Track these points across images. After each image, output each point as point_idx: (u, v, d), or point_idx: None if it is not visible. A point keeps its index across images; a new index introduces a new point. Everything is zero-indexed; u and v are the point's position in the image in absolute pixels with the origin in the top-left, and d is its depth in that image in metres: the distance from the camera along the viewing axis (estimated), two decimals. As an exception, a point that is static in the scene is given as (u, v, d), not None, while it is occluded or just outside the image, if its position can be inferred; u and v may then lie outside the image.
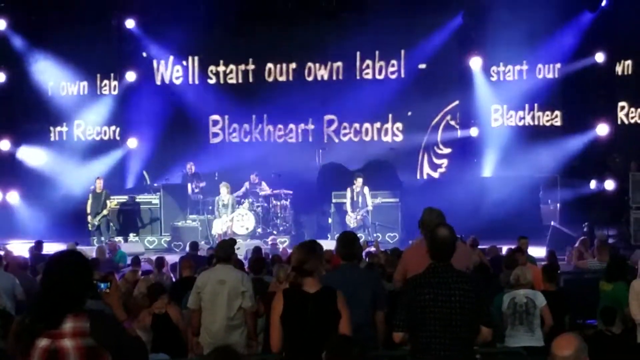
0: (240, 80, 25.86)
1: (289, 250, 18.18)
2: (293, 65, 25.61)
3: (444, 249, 6.05)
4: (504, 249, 15.77)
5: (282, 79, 25.73)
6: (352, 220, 21.69)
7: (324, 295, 6.27)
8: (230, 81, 25.92)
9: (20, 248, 17.70)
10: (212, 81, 25.90)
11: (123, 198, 23.20)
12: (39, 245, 18.29)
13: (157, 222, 23.03)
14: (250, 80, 25.80)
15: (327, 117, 25.78)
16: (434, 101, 24.55)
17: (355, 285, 7.27)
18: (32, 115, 25.09)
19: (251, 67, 25.79)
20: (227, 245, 9.39)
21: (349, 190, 21.81)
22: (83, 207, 22.24)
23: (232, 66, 25.89)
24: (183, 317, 9.65)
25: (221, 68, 25.88)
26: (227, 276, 8.93)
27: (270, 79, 25.67)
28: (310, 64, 25.57)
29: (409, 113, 24.44)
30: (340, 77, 25.50)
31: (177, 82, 25.85)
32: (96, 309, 4.65)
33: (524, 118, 24.89)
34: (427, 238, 6.45)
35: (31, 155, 24.79)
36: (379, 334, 7.59)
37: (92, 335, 4.44)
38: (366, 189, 21.73)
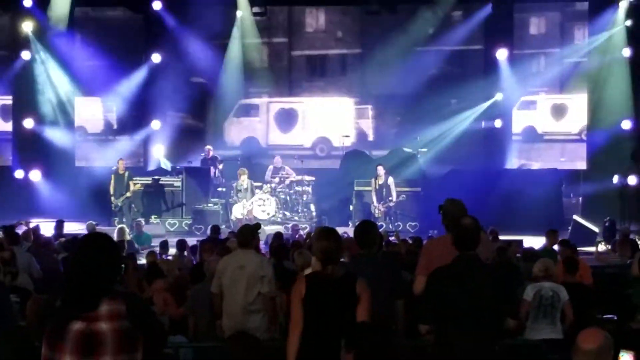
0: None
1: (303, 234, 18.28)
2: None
3: (469, 238, 6.03)
4: (525, 241, 15.73)
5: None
6: (377, 210, 21.71)
7: (346, 281, 6.26)
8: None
9: (42, 227, 17.75)
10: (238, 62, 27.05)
11: (146, 180, 23.23)
12: (60, 224, 18.40)
13: (179, 205, 23.07)
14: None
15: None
16: (459, 91, 24.50)
17: (373, 273, 7.22)
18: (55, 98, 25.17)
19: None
20: (248, 230, 9.37)
21: (373, 180, 21.84)
22: (105, 188, 22.31)
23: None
24: (170, 303, 9.96)
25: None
26: (247, 261, 8.91)
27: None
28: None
29: (418, 138, 24.57)
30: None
31: (203, 64, 25.93)
32: (128, 291, 4.65)
33: (548, 110, 24.82)
34: (450, 228, 6.42)
35: (54, 134, 24.86)
36: (398, 323, 7.58)
37: (128, 317, 4.44)
38: (391, 180, 21.75)
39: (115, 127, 27.32)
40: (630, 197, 22.01)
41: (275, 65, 29.74)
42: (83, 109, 26.53)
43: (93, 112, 27.24)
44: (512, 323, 5.97)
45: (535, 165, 24.66)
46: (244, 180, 21.96)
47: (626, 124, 22.81)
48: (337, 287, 6.20)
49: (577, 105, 25.89)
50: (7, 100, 26.30)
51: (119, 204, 21.96)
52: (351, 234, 9.54)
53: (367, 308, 6.20)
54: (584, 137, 25.57)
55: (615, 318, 10.18)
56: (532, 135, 26.44)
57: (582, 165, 24.33)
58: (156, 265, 11.97)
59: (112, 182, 22.12)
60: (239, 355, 4.86)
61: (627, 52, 22.83)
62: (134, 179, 22.41)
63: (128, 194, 21.96)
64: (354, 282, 6.26)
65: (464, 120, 24.52)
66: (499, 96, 23.80)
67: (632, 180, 22.49)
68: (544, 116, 27.09)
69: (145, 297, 9.68)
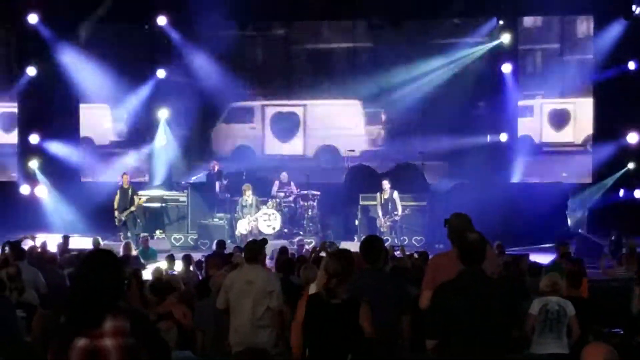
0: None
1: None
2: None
3: (475, 253, 6.05)
4: (531, 256, 15.71)
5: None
6: (382, 224, 21.71)
7: (348, 308, 6.27)
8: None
9: (47, 242, 17.78)
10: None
11: (151, 194, 23.26)
12: (66, 240, 18.44)
13: (184, 220, 23.07)
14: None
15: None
16: (464, 105, 24.49)
17: (379, 289, 7.26)
18: (62, 111, 25.15)
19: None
20: (255, 245, 9.41)
21: (378, 195, 21.85)
22: (110, 202, 22.31)
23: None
24: (188, 316, 9.86)
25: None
26: (255, 276, 8.93)
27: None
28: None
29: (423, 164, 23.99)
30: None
31: (209, 80, 25.53)
32: (132, 308, 4.66)
33: (554, 124, 24.78)
34: (455, 242, 6.43)
35: (60, 150, 24.88)
36: (404, 338, 7.57)
37: (132, 334, 4.44)
38: (396, 194, 21.76)
39: (122, 139, 26.86)
40: (636, 211, 21.97)
41: (271, 61, 27.36)
42: (89, 117, 26.39)
43: (100, 121, 27.02)
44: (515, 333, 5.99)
45: (541, 179, 24.53)
46: (249, 196, 22.00)
47: (632, 137, 22.76)
48: (338, 314, 6.22)
49: (582, 111, 25.25)
50: (9, 108, 26.29)
51: (123, 218, 21.96)
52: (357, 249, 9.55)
53: (370, 324, 6.22)
54: (589, 148, 24.96)
55: (621, 332, 10.16)
56: (528, 147, 25.38)
57: (587, 179, 24.21)
58: (162, 280, 11.97)
59: (117, 196, 22.12)
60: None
61: (632, 65, 22.76)
62: (139, 193, 22.43)
63: (132, 208, 21.96)
64: (357, 309, 6.27)
65: (470, 134, 24.43)
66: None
67: (638, 194, 22.48)
68: (542, 124, 26.38)
69: (155, 312, 9.66)
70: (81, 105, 25.82)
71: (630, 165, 22.74)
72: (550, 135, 26.52)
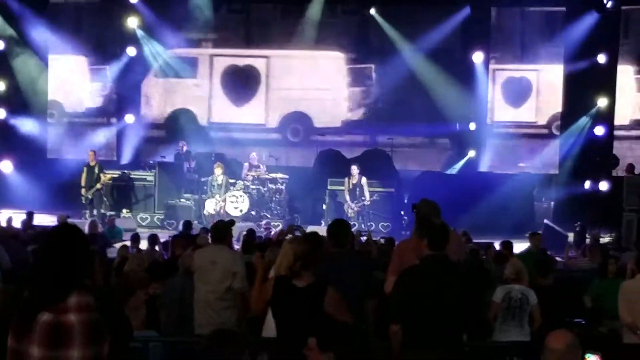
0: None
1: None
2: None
3: (438, 238, 6.14)
4: (497, 244, 15.81)
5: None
6: (350, 210, 21.71)
7: (314, 291, 6.29)
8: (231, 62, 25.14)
9: (12, 218, 17.67)
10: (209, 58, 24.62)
11: (118, 173, 23.13)
12: (30, 216, 18.32)
13: (151, 199, 22.93)
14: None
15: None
16: (435, 93, 24.50)
17: (346, 273, 7.27)
18: (29, 86, 24.88)
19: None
20: (222, 226, 9.44)
21: (347, 180, 21.79)
22: (77, 180, 22.18)
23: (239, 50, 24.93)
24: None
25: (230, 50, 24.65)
26: (219, 257, 8.96)
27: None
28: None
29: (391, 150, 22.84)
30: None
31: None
32: (96, 285, 4.66)
33: (523, 114, 24.86)
34: (422, 227, 6.51)
35: (27, 125, 24.64)
36: (370, 324, 7.60)
37: (97, 310, 4.43)
38: (364, 180, 21.70)
39: (91, 112, 25.77)
40: (601, 203, 22.17)
41: None
42: (60, 83, 25.78)
43: (71, 88, 25.98)
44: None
45: (508, 169, 24.62)
46: (219, 175, 21.81)
47: (599, 130, 22.94)
48: (304, 297, 6.24)
49: (546, 81, 23.57)
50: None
51: (89, 196, 21.83)
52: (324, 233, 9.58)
53: (339, 310, 6.25)
54: (555, 130, 24.23)
55: (583, 322, 10.28)
56: (505, 139, 24.93)
57: (554, 170, 24.34)
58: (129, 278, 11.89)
59: (84, 174, 21.96)
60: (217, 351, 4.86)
61: (602, 58, 22.89)
62: (106, 172, 22.30)
63: (98, 186, 21.82)
64: (323, 293, 6.29)
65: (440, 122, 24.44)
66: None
67: (603, 186, 22.70)
68: (494, 97, 24.82)
69: (153, 294, 9.64)
70: (52, 64, 25.00)
71: (596, 157, 22.92)
72: (506, 112, 24.31)
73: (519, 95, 24.64)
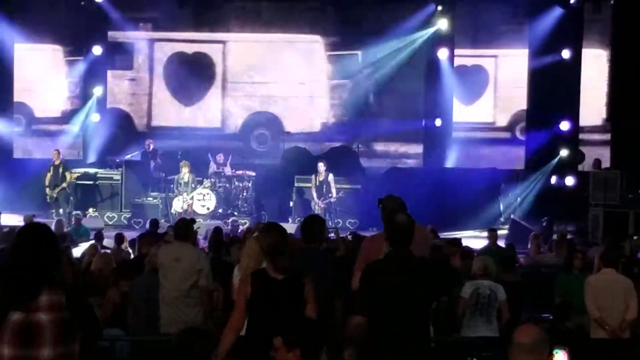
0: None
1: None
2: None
3: (402, 234, 6.16)
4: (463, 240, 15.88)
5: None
6: (317, 207, 21.70)
7: (292, 283, 6.29)
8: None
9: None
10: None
11: (83, 172, 22.96)
12: (-5, 216, 18.18)
13: (117, 198, 22.85)
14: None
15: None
16: (400, 89, 24.54)
17: (316, 269, 7.26)
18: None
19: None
20: (185, 223, 9.46)
21: (313, 177, 21.77)
22: (42, 179, 22.01)
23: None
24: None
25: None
26: (183, 254, 8.96)
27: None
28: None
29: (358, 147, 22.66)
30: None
31: (144, 58, 25.14)
32: (68, 283, 4.67)
33: (488, 110, 24.97)
34: (386, 224, 6.53)
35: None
36: (337, 320, 7.59)
37: (68, 308, 4.42)
38: (331, 177, 21.68)
39: (55, 119, 25.91)
40: (568, 198, 22.34)
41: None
42: (26, 84, 25.50)
43: (38, 87, 25.67)
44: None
45: (475, 164, 24.71)
46: (185, 174, 21.78)
47: (565, 125, 23.10)
48: (284, 289, 6.23)
49: (505, 69, 22.19)
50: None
51: (55, 195, 21.69)
52: (291, 231, 9.58)
53: (314, 306, 6.25)
54: (519, 134, 23.82)
55: (551, 317, 10.34)
56: (471, 135, 25.10)
57: (519, 165, 24.48)
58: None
59: (49, 173, 21.83)
60: (185, 349, 4.84)
61: (567, 53, 23.03)
62: (72, 170, 22.14)
63: (64, 185, 21.69)
64: (302, 285, 6.29)
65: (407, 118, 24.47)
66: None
67: (569, 181, 22.89)
68: (485, 116, 25.58)
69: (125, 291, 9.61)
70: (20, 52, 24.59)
71: (563, 153, 23.07)
72: (459, 111, 22.37)
73: (474, 90, 23.30)
